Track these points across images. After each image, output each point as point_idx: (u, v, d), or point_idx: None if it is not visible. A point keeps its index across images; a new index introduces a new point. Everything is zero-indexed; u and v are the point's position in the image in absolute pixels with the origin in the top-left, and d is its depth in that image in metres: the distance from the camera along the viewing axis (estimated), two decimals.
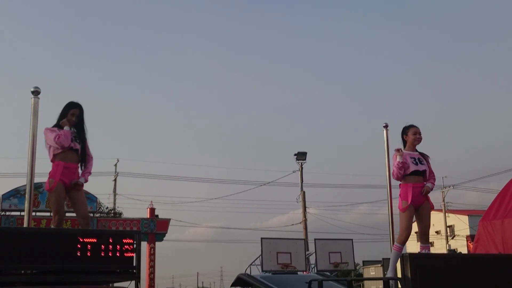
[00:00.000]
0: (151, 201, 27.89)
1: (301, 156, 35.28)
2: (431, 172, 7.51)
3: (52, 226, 6.67)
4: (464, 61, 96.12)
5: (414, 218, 7.38)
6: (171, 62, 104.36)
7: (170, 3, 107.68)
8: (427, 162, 7.53)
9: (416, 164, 7.35)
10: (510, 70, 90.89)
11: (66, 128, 6.69)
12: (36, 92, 6.30)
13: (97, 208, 26.20)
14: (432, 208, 7.43)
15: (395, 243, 7.33)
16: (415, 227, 7.21)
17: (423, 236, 7.36)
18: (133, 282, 5.64)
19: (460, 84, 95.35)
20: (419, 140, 7.54)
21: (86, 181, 6.86)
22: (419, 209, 7.34)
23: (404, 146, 7.63)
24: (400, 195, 7.41)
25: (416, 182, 7.32)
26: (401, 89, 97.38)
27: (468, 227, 48.51)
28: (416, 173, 7.33)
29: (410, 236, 7.31)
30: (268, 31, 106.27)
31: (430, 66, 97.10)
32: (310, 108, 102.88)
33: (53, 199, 6.68)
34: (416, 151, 7.54)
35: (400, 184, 7.49)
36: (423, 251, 7.23)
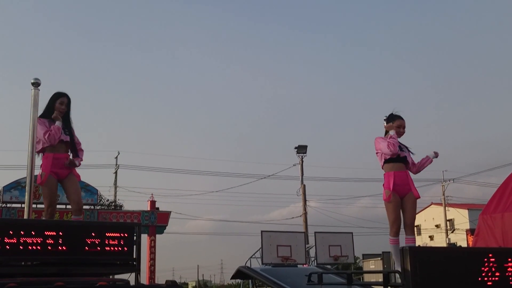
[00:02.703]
0: (152, 194, 27.99)
1: (301, 149, 35.31)
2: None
3: (44, 219, 6.66)
4: (467, 55, 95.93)
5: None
6: (173, 54, 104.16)
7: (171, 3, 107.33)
8: (408, 150, 7.45)
9: (401, 150, 7.26)
10: None
11: (58, 123, 6.61)
12: (36, 84, 6.29)
13: (98, 201, 26.30)
14: (416, 197, 7.23)
15: (389, 237, 7.22)
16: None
17: (408, 227, 7.22)
18: (133, 274, 5.66)
19: (462, 77, 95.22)
20: (401, 134, 7.36)
21: (78, 164, 6.84)
22: (403, 199, 7.20)
23: (385, 134, 7.45)
24: (383, 185, 7.29)
25: (398, 169, 7.20)
26: (403, 83, 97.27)
27: (468, 221, 48.55)
28: (398, 159, 7.22)
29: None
30: (272, 25, 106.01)
31: (433, 60, 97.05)
32: (310, 102, 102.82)
33: (45, 192, 6.65)
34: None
35: (384, 174, 7.35)
36: (409, 244, 7.05)
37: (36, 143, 6.61)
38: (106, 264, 5.43)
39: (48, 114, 6.74)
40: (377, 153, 7.40)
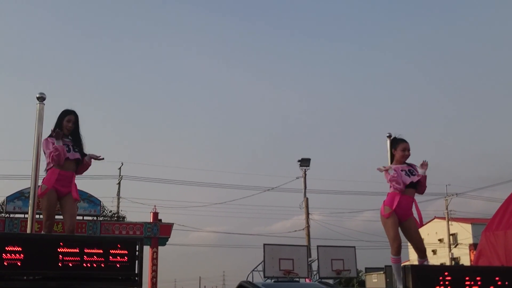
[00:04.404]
0: (155, 205, 28.03)
1: (304, 162, 35.29)
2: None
3: (43, 232, 6.68)
4: (474, 65, 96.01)
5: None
6: (176, 64, 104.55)
7: (178, 7, 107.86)
8: (416, 170, 7.42)
9: (409, 176, 7.27)
10: None
11: (57, 142, 6.61)
12: (41, 98, 6.35)
13: (101, 212, 26.25)
14: (419, 225, 7.29)
15: (390, 255, 7.21)
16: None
17: (420, 251, 7.27)
18: None
19: (468, 89, 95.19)
20: (406, 157, 7.41)
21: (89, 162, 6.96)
22: (404, 224, 7.20)
23: (392, 159, 7.54)
24: (384, 201, 7.29)
25: (406, 193, 7.21)
26: (408, 94, 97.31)
27: (471, 235, 48.37)
28: (410, 185, 7.22)
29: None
30: (276, 35, 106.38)
31: (439, 71, 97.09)
32: (314, 114, 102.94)
33: (44, 205, 6.70)
34: (404, 163, 7.44)
35: (388, 193, 7.34)
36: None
37: (46, 161, 6.75)
38: (108, 279, 5.42)
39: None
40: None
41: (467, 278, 5.47)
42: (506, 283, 5.53)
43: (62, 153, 6.61)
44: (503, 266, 7.97)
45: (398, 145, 7.47)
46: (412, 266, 5.48)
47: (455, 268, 6.01)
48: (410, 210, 7.26)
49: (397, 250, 7.13)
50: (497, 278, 5.54)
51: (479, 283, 5.48)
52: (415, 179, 7.26)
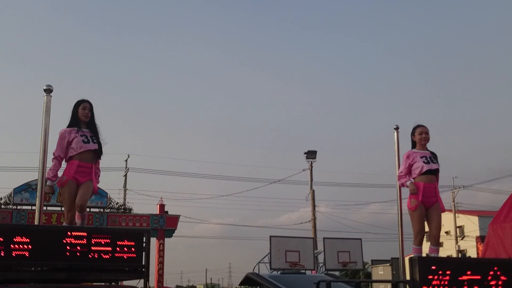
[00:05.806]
0: (161, 197, 28.09)
1: (311, 154, 35.26)
2: None
3: (64, 223, 6.65)
4: (480, 57, 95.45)
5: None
6: (183, 57, 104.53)
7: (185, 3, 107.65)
8: (437, 159, 7.57)
9: (428, 163, 7.39)
10: None
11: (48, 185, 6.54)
12: (48, 90, 6.33)
13: (108, 204, 26.32)
14: (442, 210, 7.43)
15: (412, 245, 7.36)
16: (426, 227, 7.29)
17: (434, 238, 7.37)
18: (142, 280, 5.69)
19: (475, 81, 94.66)
20: (425, 139, 7.58)
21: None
22: (429, 210, 7.33)
23: (414, 146, 7.69)
24: (410, 193, 7.40)
25: (428, 181, 7.35)
26: (414, 87, 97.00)
27: (478, 228, 48.27)
28: (428, 172, 7.36)
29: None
30: (284, 27, 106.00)
31: (445, 63, 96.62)
32: (321, 106, 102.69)
33: (65, 196, 6.66)
34: (427, 149, 7.60)
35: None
36: (432, 254, 7.26)
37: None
38: (115, 270, 5.46)
39: (73, 123, 6.80)
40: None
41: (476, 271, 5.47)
42: None
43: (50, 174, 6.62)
44: (509, 258, 7.95)
45: (415, 130, 7.69)
46: (419, 258, 5.50)
47: (462, 260, 6.01)
48: (435, 197, 7.39)
49: (420, 241, 7.31)
50: (498, 270, 5.53)
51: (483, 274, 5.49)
52: (433, 166, 7.41)
